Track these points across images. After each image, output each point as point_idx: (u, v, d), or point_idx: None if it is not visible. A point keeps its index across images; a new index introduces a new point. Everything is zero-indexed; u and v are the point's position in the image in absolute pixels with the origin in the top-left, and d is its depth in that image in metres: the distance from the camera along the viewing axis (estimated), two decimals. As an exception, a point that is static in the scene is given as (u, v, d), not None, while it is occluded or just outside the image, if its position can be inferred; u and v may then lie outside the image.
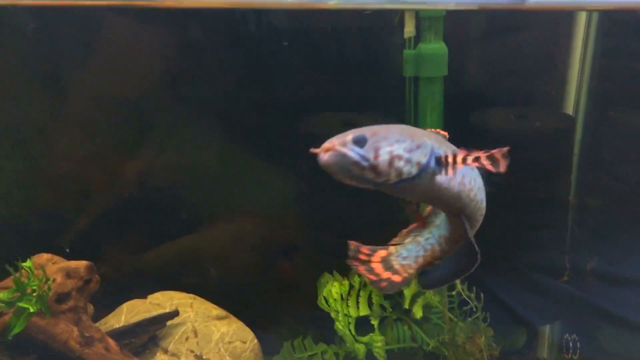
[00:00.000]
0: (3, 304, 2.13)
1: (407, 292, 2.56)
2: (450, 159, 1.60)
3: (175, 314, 2.60)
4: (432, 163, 1.61)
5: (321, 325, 3.15)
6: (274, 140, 3.05)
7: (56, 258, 2.48)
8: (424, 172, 1.61)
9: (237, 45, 2.87)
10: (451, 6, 2.58)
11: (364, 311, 2.52)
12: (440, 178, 1.62)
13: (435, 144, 1.63)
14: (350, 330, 2.43)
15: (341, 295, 2.45)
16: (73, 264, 2.40)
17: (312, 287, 3.29)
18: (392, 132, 1.59)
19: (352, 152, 1.55)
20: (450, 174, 1.63)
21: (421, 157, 1.59)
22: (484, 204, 1.79)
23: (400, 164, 1.56)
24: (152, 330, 2.56)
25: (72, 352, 2.27)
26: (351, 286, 2.51)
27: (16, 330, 2.19)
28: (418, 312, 2.55)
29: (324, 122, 2.85)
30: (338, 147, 1.54)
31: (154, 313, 2.66)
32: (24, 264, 2.11)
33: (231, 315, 2.77)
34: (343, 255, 3.01)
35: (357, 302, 2.51)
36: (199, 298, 2.80)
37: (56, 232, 3.31)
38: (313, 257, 3.10)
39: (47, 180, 3.31)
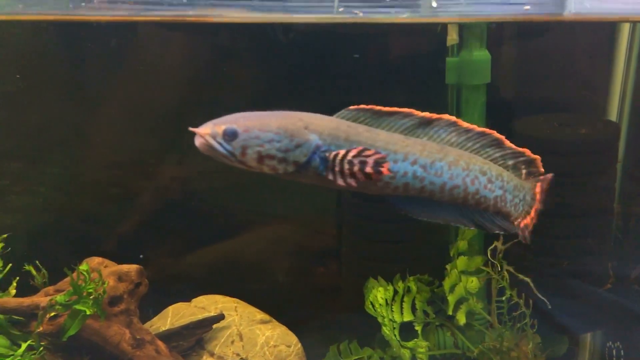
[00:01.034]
0: (60, 307, 2.19)
1: (451, 298, 2.57)
2: (333, 159, 1.63)
3: (220, 317, 2.64)
4: (315, 162, 1.64)
5: (359, 330, 3.18)
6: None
7: (107, 262, 2.53)
8: (305, 169, 1.64)
9: (275, 52, 2.91)
10: (492, 18, 2.60)
11: (407, 317, 2.54)
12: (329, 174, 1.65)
13: (336, 140, 1.66)
14: (395, 336, 2.45)
15: (386, 301, 2.47)
16: (125, 267, 2.45)
17: (350, 291, 3.31)
18: (269, 128, 1.59)
19: (220, 147, 1.57)
20: (331, 177, 1.65)
21: (299, 157, 1.61)
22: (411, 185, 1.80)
23: (272, 162, 1.60)
24: (198, 334, 2.60)
25: (124, 354, 2.32)
26: (395, 292, 2.53)
27: (71, 332, 2.25)
28: (462, 319, 2.56)
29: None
30: (208, 138, 1.57)
31: (199, 316, 2.70)
32: (81, 267, 2.17)
33: (274, 320, 2.80)
34: (384, 260, 3.03)
35: (401, 308, 2.53)
36: (242, 302, 2.84)
37: (99, 237, 3.38)
38: (353, 262, 3.12)
39: (88, 185, 3.38)
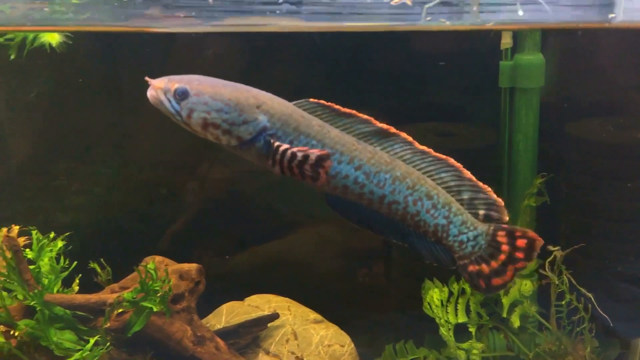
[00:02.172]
0: (127, 303, 2.26)
1: (505, 301, 2.58)
2: (275, 149, 1.59)
3: (275, 316, 2.69)
4: (260, 143, 1.61)
5: (405, 330, 3.20)
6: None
7: (167, 260, 2.60)
8: (248, 148, 1.61)
9: (333, 56, 2.95)
10: (540, 25, 2.60)
11: (462, 318, 2.56)
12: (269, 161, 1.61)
13: (287, 127, 1.61)
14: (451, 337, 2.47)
15: (441, 302, 2.49)
16: (185, 266, 2.51)
17: (398, 292, 3.34)
18: (221, 96, 1.58)
19: (169, 104, 1.58)
20: (271, 166, 1.61)
21: (244, 133, 1.59)
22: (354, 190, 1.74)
23: (216, 131, 1.58)
24: (254, 332, 2.65)
25: (186, 350, 2.38)
26: (450, 293, 2.55)
27: (136, 328, 2.32)
28: (516, 322, 2.57)
29: (417, 131, 2.89)
30: (159, 92, 1.58)
31: (254, 315, 2.75)
32: (149, 265, 2.23)
33: (325, 319, 2.84)
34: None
35: (456, 309, 2.55)
36: (294, 302, 2.89)
37: (149, 235, 3.45)
38: (401, 263, 3.15)
39: (138, 185, 3.46)
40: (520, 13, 1.70)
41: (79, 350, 2.30)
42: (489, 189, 1.81)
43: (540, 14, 2.09)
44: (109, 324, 2.29)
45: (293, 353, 2.61)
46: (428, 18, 1.57)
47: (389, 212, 1.76)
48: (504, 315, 2.58)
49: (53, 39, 2.17)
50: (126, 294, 2.25)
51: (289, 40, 2.80)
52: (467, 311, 2.59)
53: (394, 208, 1.75)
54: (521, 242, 1.79)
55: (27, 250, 2.48)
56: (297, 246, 3.56)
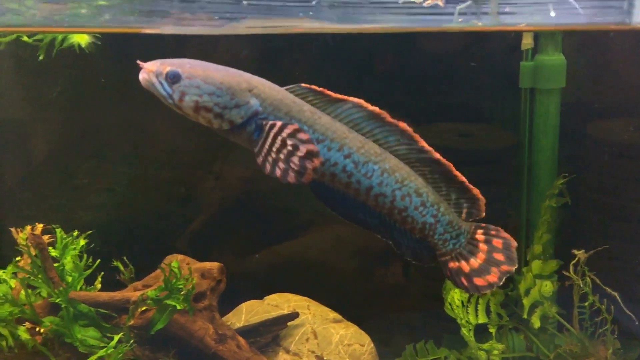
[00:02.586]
0: (151, 301, 2.28)
1: (526, 302, 2.58)
2: (267, 131, 1.57)
3: (295, 315, 2.71)
4: (251, 127, 1.60)
5: (422, 330, 3.21)
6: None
7: (188, 259, 2.62)
8: (239, 132, 1.60)
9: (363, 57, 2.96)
10: (560, 27, 2.59)
11: (482, 319, 2.57)
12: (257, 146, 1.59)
13: (279, 112, 1.59)
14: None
15: (462, 302, 2.49)
16: (207, 265, 2.53)
17: (416, 292, 3.34)
18: (212, 80, 1.57)
19: (160, 87, 1.58)
20: (258, 149, 1.58)
21: (236, 117, 1.58)
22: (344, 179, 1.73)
23: (208, 115, 1.58)
24: (274, 331, 2.67)
25: (208, 348, 2.40)
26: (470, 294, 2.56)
27: (159, 326, 2.34)
28: (536, 322, 2.57)
29: (438, 131, 2.91)
30: (152, 75, 1.58)
31: (273, 314, 2.77)
32: (172, 264, 2.25)
33: (344, 319, 2.85)
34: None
35: (476, 310, 2.55)
36: (313, 301, 2.90)
37: (168, 234, 3.48)
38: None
39: (157, 184, 3.49)
40: (553, 14, 1.70)
41: (102, 347, 2.33)
42: (476, 190, 1.84)
43: (565, 15, 2.09)
44: (132, 322, 2.31)
45: (313, 352, 2.63)
46: (460, 19, 1.57)
47: (376, 204, 1.74)
48: (525, 316, 2.58)
49: (82, 39, 2.19)
50: (150, 292, 2.27)
51: (312, 41, 2.81)
52: (487, 312, 2.59)
53: (381, 201, 1.73)
54: (497, 242, 1.83)
55: (51, 248, 2.51)
56: (314, 246, 3.58)
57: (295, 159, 1.57)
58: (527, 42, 2.72)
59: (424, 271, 3.27)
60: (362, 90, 3.02)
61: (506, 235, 1.86)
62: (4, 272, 2.59)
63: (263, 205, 3.55)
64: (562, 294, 2.71)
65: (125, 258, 2.71)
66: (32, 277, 2.34)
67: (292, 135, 1.58)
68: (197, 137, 3.39)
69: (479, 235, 1.84)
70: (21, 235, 2.62)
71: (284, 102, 1.64)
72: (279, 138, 1.58)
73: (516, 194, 2.87)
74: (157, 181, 3.48)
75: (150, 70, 1.59)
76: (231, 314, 2.88)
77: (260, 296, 3.04)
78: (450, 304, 2.49)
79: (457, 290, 2.50)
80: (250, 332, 2.63)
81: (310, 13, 1.73)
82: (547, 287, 2.60)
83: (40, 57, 2.27)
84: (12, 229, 2.65)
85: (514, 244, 1.85)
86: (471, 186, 1.83)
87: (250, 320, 2.79)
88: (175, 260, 2.34)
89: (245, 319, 2.81)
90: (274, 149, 1.58)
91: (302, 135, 1.59)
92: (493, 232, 1.85)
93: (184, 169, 3.48)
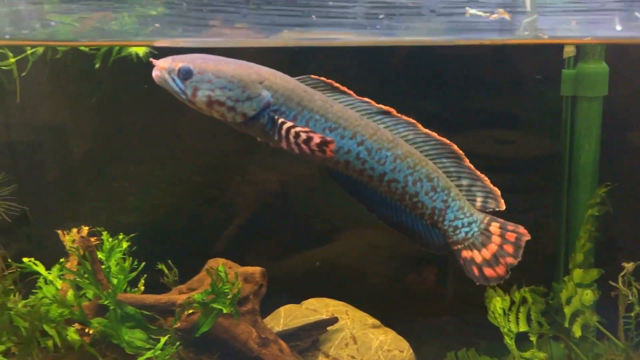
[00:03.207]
0: (197, 304, 2.32)
1: (568, 311, 2.58)
2: (280, 124, 1.60)
3: (334, 320, 2.73)
4: (264, 118, 1.62)
5: (456, 336, 3.21)
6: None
7: (230, 263, 2.65)
8: (252, 124, 1.63)
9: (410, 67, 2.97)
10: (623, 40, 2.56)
11: (523, 327, 2.56)
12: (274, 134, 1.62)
13: (291, 103, 1.62)
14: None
15: (503, 310, 2.50)
16: (250, 269, 2.56)
17: (449, 297, 3.34)
18: (224, 74, 1.59)
19: (173, 83, 1.60)
20: (277, 138, 1.61)
21: (248, 109, 1.60)
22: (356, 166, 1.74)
23: (221, 109, 1.60)
24: (314, 335, 2.69)
25: (251, 351, 2.43)
26: (512, 302, 2.56)
27: (204, 329, 2.37)
28: (577, 331, 2.56)
29: (477, 137, 2.91)
30: (164, 72, 1.60)
31: (312, 318, 2.79)
32: (219, 268, 2.29)
33: (382, 325, 2.87)
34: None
35: (517, 318, 2.55)
36: (351, 306, 2.92)
37: (203, 237, 3.53)
38: (457, 270, 3.15)
39: (191, 188, 3.54)
40: (619, 28, 1.70)
41: (148, 349, 2.37)
42: (486, 178, 1.83)
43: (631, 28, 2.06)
44: (178, 324, 2.35)
45: (353, 357, 2.64)
46: (526, 32, 1.59)
47: (388, 190, 1.76)
48: (566, 325, 2.57)
49: (140, 49, 2.23)
50: (196, 295, 2.31)
51: (362, 52, 2.83)
52: (528, 320, 2.59)
53: (393, 187, 1.74)
54: (511, 236, 1.83)
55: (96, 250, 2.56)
56: (348, 251, 3.59)
57: (313, 144, 1.61)
58: (569, 50, 2.71)
59: (457, 276, 3.29)
60: (401, 96, 3.05)
61: (523, 231, 1.84)
62: (49, 273, 2.66)
63: (296, 210, 3.58)
64: (602, 303, 2.71)
65: (161, 260, 2.75)
66: (81, 279, 2.39)
67: (300, 131, 1.63)
68: (232, 141, 3.43)
69: (494, 228, 1.83)
70: (67, 238, 2.69)
71: (295, 92, 1.66)
72: (293, 131, 1.62)
73: (556, 202, 2.87)
74: (193, 185, 3.53)
75: (163, 68, 1.62)
76: (269, 318, 2.90)
77: (293, 300, 3.07)
78: (492, 312, 2.49)
79: (498, 298, 2.51)
80: (290, 336, 2.66)
81: (378, 27, 1.75)
82: (588, 295, 2.59)
83: (97, 65, 2.32)
84: (59, 232, 2.71)
85: (526, 238, 1.84)
86: (479, 173, 1.83)
87: (288, 324, 2.81)
88: (221, 265, 2.37)
89: (284, 322, 2.84)
90: (291, 138, 1.62)
91: (312, 134, 1.63)
92: (510, 227, 1.84)
93: (219, 172, 3.52)
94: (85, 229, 2.67)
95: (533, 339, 2.56)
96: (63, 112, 3.34)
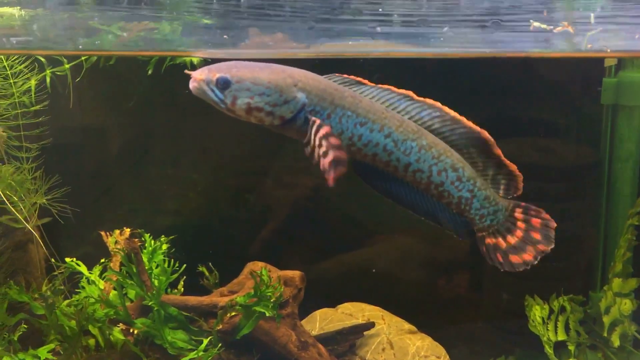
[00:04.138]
0: (239, 307, 2.35)
1: (606, 320, 2.57)
2: (313, 125, 1.66)
3: (371, 325, 2.74)
4: (300, 120, 1.67)
5: (487, 342, 3.20)
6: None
7: (269, 266, 2.68)
8: (290, 125, 1.68)
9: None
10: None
11: (561, 336, 2.56)
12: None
13: (325, 103, 1.67)
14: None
15: (542, 319, 2.50)
16: (289, 273, 2.60)
17: (482, 304, 3.34)
18: (260, 81, 1.64)
19: (212, 94, 1.64)
20: (311, 140, 1.66)
21: (286, 112, 1.66)
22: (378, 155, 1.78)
23: (260, 114, 1.65)
24: (351, 339, 2.71)
25: (290, 354, 2.46)
26: (551, 310, 2.56)
27: (245, 331, 2.40)
28: (616, 341, 2.55)
29: (517, 145, 2.91)
30: (202, 83, 1.64)
31: (348, 323, 2.82)
32: (262, 272, 2.32)
33: (418, 330, 2.88)
34: (523, 277, 3.04)
35: (556, 327, 2.55)
36: (386, 311, 2.93)
37: (238, 240, 3.56)
38: (494, 278, 3.15)
39: (227, 191, 3.58)
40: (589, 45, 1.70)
41: (190, 349, 2.41)
42: (514, 165, 1.84)
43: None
44: (220, 326, 2.38)
45: (390, 362, 2.66)
46: (589, 45, 1.60)
47: (413, 180, 1.79)
48: (604, 334, 2.56)
49: (195, 57, 2.28)
50: (239, 298, 2.34)
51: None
52: (566, 329, 2.58)
53: (418, 176, 1.78)
54: (536, 222, 1.84)
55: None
56: (380, 256, 3.61)
57: (325, 163, 1.65)
58: (610, 59, 2.71)
59: (491, 282, 3.28)
60: (442, 103, 3.06)
61: (546, 216, 1.86)
62: (90, 273, 2.71)
63: (329, 214, 3.61)
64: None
65: (199, 263, 2.80)
66: (127, 280, 2.44)
67: (325, 137, 1.66)
68: (266, 144, 3.46)
69: (518, 214, 1.86)
70: (110, 239, 2.74)
71: (327, 92, 1.72)
72: (317, 137, 1.67)
73: (595, 211, 2.86)
74: (228, 188, 3.57)
75: (200, 79, 1.66)
76: (305, 321, 2.93)
77: (325, 305, 3.09)
78: (533, 321, 2.49)
79: (537, 307, 2.51)
80: (327, 340, 2.68)
81: (439, 39, 1.77)
82: (627, 305, 2.58)
83: (149, 72, 2.36)
84: (102, 233, 2.77)
85: (554, 224, 1.85)
86: (507, 161, 1.85)
87: (324, 328, 2.83)
88: (264, 269, 2.40)
89: (320, 326, 2.86)
90: (316, 145, 1.67)
91: (333, 140, 1.66)
92: (533, 212, 1.86)
93: (253, 176, 3.56)
94: (127, 231, 2.73)
95: (571, 347, 2.55)
96: (102, 114, 3.41)
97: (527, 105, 2.90)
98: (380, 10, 1.77)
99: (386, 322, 2.83)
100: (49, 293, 2.35)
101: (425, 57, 2.24)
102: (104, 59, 2.29)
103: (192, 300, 2.49)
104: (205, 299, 2.49)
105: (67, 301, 2.60)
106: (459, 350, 3.09)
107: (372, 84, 1.79)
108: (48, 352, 2.25)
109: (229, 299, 2.39)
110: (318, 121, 1.68)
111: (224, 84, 1.63)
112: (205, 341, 2.34)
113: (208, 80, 1.64)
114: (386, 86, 1.80)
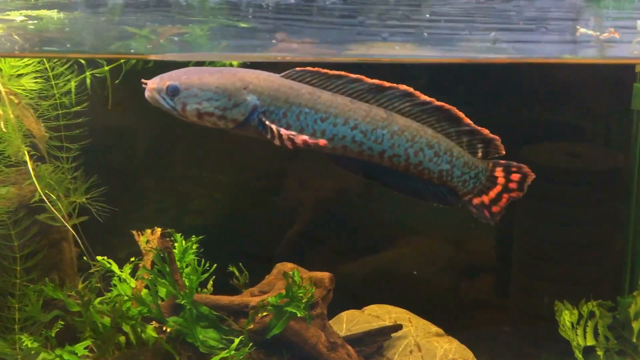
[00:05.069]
0: (271, 307, 2.38)
1: (636, 325, 2.56)
2: (268, 125, 1.69)
3: (399, 327, 2.76)
4: (255, 121, 1.71)
5: (512, 346, 3.20)
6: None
7: (298, 267, 2.71)
8: (245, 127, 1.72)
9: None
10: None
11: (590, 341, 2.56)
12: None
13: (277, 101, 1.70)
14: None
15: (572, 324, 2.50)
16: (319, 274, 2.61)
17: (515, 309, 3.34)
18: (208, 86, 1.67)
19: (164, 102, 1.68)
20: (269, 137, 1.70)
21: (237, 115, 1.69)
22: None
23: (211, 119, 1.69)
24: (378, 341, 2.72)
25: (320, 355, 2.48)
26: (580, 315, 2.56)
27: (276, 331, 2.43)
28: (645, 346, 2.55)
29: (545, 150, 2.92)
30: (154, 92, 1.68)
31: (375, 324, 2.83)
32: (294, 273, 2.34)
33: (445, 333, 2.88)
34: (552, 280, 3.04)
35: (585, 332, 2.55)
36: (413, 314, 2.94)
37: (262, 241, 3.59)
38: (522, 281, 3.16)
39: (252, 192, 3.61)
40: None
41: (221, 348, 2.44)
42: (485, 129, 1.88)
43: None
44: (252, 326, 2.41)
45: (417, 364, 2.67)
46: (636, 51, 1.61)
47: (391, 164, 1.83)
48: (634, 339, 2.55)
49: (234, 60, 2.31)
50: (271, 299, 2.37)
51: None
52: (595, 334, 2.58)
53: (396, 161, 1.82)
54: (515, 176, 1.89)
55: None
56: (403, 259, 3.62)
57: (298, 140, 1.69)
58: (641, 63, 2.70)
59: (516, 285, 3.28)
60: (471, 106, 3.07)
61: (527, 170, 1.90)
62: (121, 271, 2.75)
63: (353, 216, 3.63)
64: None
65: (219, 262, 2.82)
66: (160, 279, 2.47)
67: (288, 138, 1.70)
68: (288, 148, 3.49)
69: (499, 172, 1.90)
70: (142, 238, 2.78)
71: (280, 91, 1.74)
72: (277, 132, 1.71)
73: (623, 216, 2.85)
74: (252, 190, 3.60)
75: (152, 88, 1.71)
76: (332, 322, 2.94)
77: (349, 306, 3.11)
78: (563, 326, 2.49)
79: (567, 311, 2.51)
80: (355, 341, 2.69)
81: (490, 45, 1.78)
82: (657, 311, 2.57)
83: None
84: (134, 232, 2.81)
85: (532, 176, 1.89)
86: (479, 127, 1.88)
87: (351, 329, 2.85)
88: (295, 270, 2.42)
89: (346, 327, 2.88)
90: (283, 137, 1.70)
91: (297, 137, 1.70)
92: (514, 168, 1.90)
93: (277, 178, 3.59)
94: (158, 230, 2.77)
95: (600, 353, 2.55)
96: (130, 115, 3.45)
97: (558, 110, 2.90)
98: (427, 15, 1.78)
99: (413, 324, 2.84)
100: (84, 291, 2.39)
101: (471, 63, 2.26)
102: (142, 62, 2.33)
103: (224, 299, 2.52)
104: (236, 299, 2.52)
105: (99, 299, 2.64)
106: (484, 354, 3.10)
107: (339, 73, 1.80)
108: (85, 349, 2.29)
109: (260, 299, 2.42)
110: (274, 126, 1.71)
111: (173, 92, 1.68)
112: (237, 340, 2.37)
113: (159, 89, 1.69)
114: (357, 76, 1.80)
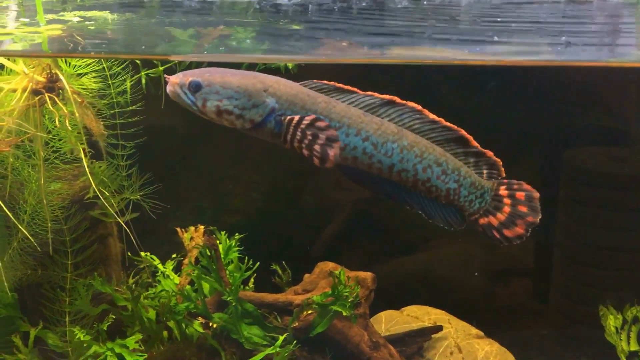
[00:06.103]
0: (316, 306, 2.40)
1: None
2: (287, 122, 1.72)
3: (439, 328, 2.76)
4: (271, 124, 1.75)
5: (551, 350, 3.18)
6: (530, 170, 3.15)
7: (339, 267, 2.73)
8: (261, 128, 1.75)
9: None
10: None
11: (634, 346, 2.54)
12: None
13: (294, 106, 1.72)
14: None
15: (616, 329, 2.49)
16: (362, 274, 2.63)
17: (555, 313, 3.32)
18: (230, 85, 1.71)
19: (185, 96, 1.73)
20: (282, 144, 1.74)
21: (255, 116, 1.73)
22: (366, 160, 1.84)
23: (229, 117, 1.72)
24: (419, 342, 2.74)
25: (362, 354, 2.50)
26: (624, 320, 2.54)
27: (320, 329, 2.45)
28: (691, 353, 2.52)
29: (589, 154, 2.90)
30: (177, 87, 1.72)
31: (414, 325, 2.84)
32: (340, 272, 2.37)
33: (485, 335, 2.88)
34: (593, 285, 3.02)
35: (628, 337, 2.53)
36: (452, 315, 2.95)
37: (299, 241, 3.62)
38: (564, 285, 3.14)
39: (288, 193, 3.64)
40: None
41: (265, 345, 2.47)
42: (490, 152, 1.94)
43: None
44: (296, 324, 2.44)
45: (458, 366, 2.68)
46: None
47: (400, 179, 1.87)
48: (679, 345, 2.53)
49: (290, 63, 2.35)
50: (316, 297, 2.39)
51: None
52: (639, 339, 2.57)
53: (404, 176, 1.86)
54: (520, 195, 1.93)
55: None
56: (438, 261, 3.62)
57: (317, 147, 1.72)
58: (688, 68, 2.68)
59: (557, 290, 3.27)
60: (511, 112, 3.07)
61: (528, 187, 1.95)
62: (164, 267, 2.80)
63: (388, 218, 3.64)
64: None
65: (259, 261, 2.85)
66: (206, 276, 2.51)
67: (310, 125, 1.73)
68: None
69: (503, 191, 1.94)
70: (186, 235, 2.82)
71: (298, 97, 1.78)
72: (299, 130, 1.73)
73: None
74: (288, 190, 3.63)
75: (175, 83, 1.75)
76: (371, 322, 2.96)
77: (385, 307, 3.12)
78: (608, 330, 2.48)
79: (611, 316, 2.50)
80: (396, 341, 2.71)
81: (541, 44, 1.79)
82: (701, 317, 2.55)
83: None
84: (178, 229, 2.86)
85: (536, 194, 1.94)
86: (485, 150, 1.93)
87: (390, 329, 2.87)
88: (342, 269, 2.45)
89: (385, 328, 2.90)
90: (297, 140, 1.74)
91: (319, 123, 1.73)
92: (515, 186, 1.94)
93: (313, 178, 3.62)
94: (201, 228, 2.81)
95: (644, 358, 2.54)
96: (171, 115, 3.51)
97: (602, 114, 2.89)
98: (499, 19, 1.80)
99: (453, 326, 2.85)
100: (134, 286, 2.44)
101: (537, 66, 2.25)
102: (195, 64, 2.37)
103: (268, 297, 2.55)
104: (280, 297, 2.55)
105: (143, 294, 2.69)
106: (524, 357, 3.09)
107: (353, 88, 1.85)
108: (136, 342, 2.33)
109: (305, 298, 2.45)
110: (297, 117, 1.74)
111: (195, 87, 1.72)
112: (281, 338, 2.40)
113: (182, 84, 1.73)
114: (369, 92, 1.86)
